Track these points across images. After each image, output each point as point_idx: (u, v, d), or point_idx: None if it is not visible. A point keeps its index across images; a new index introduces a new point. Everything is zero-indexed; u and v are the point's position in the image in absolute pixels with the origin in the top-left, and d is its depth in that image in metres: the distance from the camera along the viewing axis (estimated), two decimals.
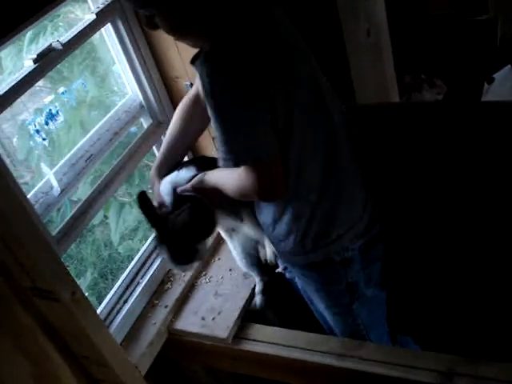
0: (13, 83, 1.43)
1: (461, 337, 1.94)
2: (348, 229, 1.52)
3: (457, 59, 3.06)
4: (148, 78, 1.88)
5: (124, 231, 3.00)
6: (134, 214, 3.01)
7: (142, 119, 1.95)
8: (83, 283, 2.68)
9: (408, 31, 2.76)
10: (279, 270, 1.89)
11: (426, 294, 2.09)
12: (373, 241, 1.59)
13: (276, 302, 1.95)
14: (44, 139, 1.51)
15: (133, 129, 1.88)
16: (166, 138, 1.69)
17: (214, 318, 1.81)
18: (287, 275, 1.88)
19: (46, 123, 1.50)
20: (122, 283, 1.89)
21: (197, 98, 1.64)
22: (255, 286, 1.88)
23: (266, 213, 1.54)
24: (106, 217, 3.14)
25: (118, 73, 2.13)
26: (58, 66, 1.54)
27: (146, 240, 2.21)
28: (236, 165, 1.32)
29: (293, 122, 1.36)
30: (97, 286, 2.98)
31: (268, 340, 1.73)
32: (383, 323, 1.79)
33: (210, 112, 1.30)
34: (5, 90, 1.41)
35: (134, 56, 1.82)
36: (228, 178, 1.43)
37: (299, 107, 1.36)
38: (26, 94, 1.42)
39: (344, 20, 1.69)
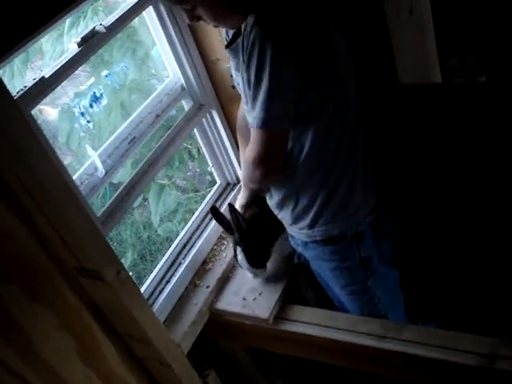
0: (58, 66, 1.45)
1: (484, 317, 1.92)
2: (363, 203, 1.61)
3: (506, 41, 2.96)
4: (189, 60, 1.88)
5: (163, 213, 3.03)
6: (173, 196, 3.03)
7: (183, 101, 1.96)
8: (124, 264, 2.73)
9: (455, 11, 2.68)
10: (295, 260, 1.90)
11: (441, 275, 2.08)
12: (382, 216, 1.68)
13: (315, 282, 1.95)
14: (89, 122, 1.54)
15: (172, 112, 1.90)
16: (242, 163, 1.79)
17: (254, 299, 1.82)
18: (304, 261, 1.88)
19: (91, 106, 1.53)
20: (164, 264, 1.92)
21: (245, 121, 1.67)
22: (296, 265, 1.90)
23: (288, 187, 1.59)
24: (144, 199, 3.19)
25: (156, 56, 2.15)
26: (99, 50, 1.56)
27: (186, 222, 2.24)
28: (264, 124, 1.40)
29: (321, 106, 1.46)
30: (136, 267, 3.03)
31: (308, 321, 1.74)
32: (400, 306, 1.81)
33: (250, 72, 1.37)
34: (50, 74, 1.44)
35: (175, 38, 1.83)
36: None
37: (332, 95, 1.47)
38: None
39: None
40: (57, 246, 1.37)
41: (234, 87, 1.93)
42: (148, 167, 1.78)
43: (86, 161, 1.53)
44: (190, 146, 3.01)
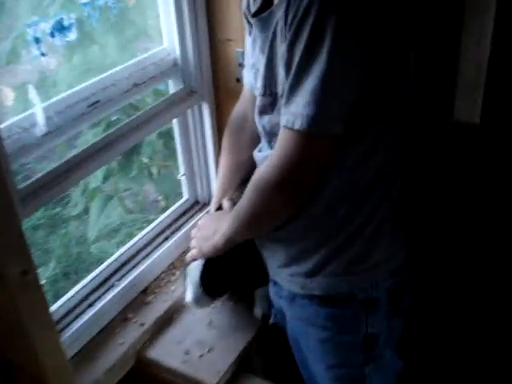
0: None
1: None
2: (388, 258, 1.21)
3: None
4: (193, 32, 1.46)
5: (103, 229, 2.57)
6: (118, 212, 2.60)
7: (170, 81, 1.53)
8: (41, 275, 2.23)
9: None
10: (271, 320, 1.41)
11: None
12: (403, 285, 1.27)
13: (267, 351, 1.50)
14: (43, 55, 1.09)
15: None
16: (219, 175, 1.45)
17: (201, 356, 1.35)
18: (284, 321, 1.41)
19: (52, 34, 1.08)
20: (90, 281, 1.43)
21: (242, 122, 1.39)
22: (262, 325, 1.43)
23: (296, 218, 1.14)
24: (85, 211, 2.72)
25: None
26: None
27: (125, 244, 1.79)
28: (313, 123, 0.96)
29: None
30: (55, 285, 2.54)
31: None
32: None
33: (295, 49, 0.96)
34: None
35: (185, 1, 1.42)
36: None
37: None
38: None
39: None
40: None
41: (238, 80, 1.52)
42: (107, 144, 1.31)
43: (22, 107, 1.06)
44: (149, 163, 2.58)
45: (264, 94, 1.11)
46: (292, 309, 1.25)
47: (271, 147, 1.14)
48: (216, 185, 1.48)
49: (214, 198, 1.45)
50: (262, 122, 1.16)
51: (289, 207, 1.09)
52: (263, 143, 1.21)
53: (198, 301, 1.32)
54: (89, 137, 2.16)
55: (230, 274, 1.35)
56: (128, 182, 2.62)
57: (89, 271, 1.77)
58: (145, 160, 2.53)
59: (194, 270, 1.31)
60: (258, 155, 1.23)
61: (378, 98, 1.03)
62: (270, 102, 1.11)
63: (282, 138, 1.02)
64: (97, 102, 1.29)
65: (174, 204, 1.69)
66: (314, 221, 1.14)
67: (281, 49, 1.02)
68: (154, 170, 2.67)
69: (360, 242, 1.14)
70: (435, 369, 1.69)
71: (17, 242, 0.98)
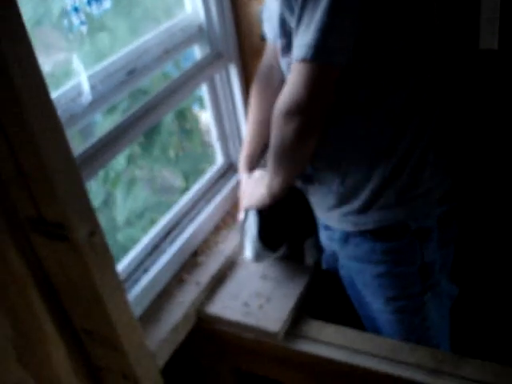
0: None
1: None
2: (436, 184, 1.23)
3: None
4: None
5: (130, 214, 2.59)
6: (144, 195, 2.61)
7: (196, 46, 1.55)
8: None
9: None
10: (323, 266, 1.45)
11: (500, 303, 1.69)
12: (452, 213, 1.31)
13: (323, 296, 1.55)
14: (82, 23, 1.11)
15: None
16: (248, 127, 1.49)
17: (260, 306, 1.38)
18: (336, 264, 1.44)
19: (89, 3, 1.10)
20: (142, 249, 1.46)
21: (268, 74, 1.42)
22: (315, 272, 1.46)
23: (332, 151, 1.20)
24: (105, 201, 2.73)
25: None
26: None
27: (151, 227, 1.80)
28: (314, 55, 1.03)
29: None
30: None
31: (333, 341, 1.30)
32: (447, 335, 1.42)
33: None
34: None
35: None
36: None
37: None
38: None
39: None
40: (9, 180, 0.93)
41: (262, 38, 1.54)
42: (146, 111, 1.34)
43: (67, 78, 1.09)
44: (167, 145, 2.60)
45: (280, 36, 1.17)
46: (346, 249, 1.28)
47: None
48: (245, 139, 1.50)
49: (244, 151, 1.49)
50: (283, 65, 1.22)
51: (301, 135, 1.13)
52: None
53: (259, 255, 1.36)
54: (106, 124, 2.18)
55: (284, 225, 1.38)
56: (151, 162, 2.63)
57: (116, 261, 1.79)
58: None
59: (251, 227, 1.34)
60: None
61: (387, 32, 1.09)
62: (286, 42, 1.16)
63: (291, 71, 1.09)
64: (133, 69, 1.32)
65: (192, 185, 1.71)
66: (354, 148, 1.17)
67: None
68: (172, 152, 2.70)
69: (407, 171, 1.17)
70: (486, 294, 1.72)
71: (83, 204, 1.00)
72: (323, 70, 1.06)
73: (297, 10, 1.05)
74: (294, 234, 1.42)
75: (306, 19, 1.04)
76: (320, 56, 1.03)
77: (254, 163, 1.48)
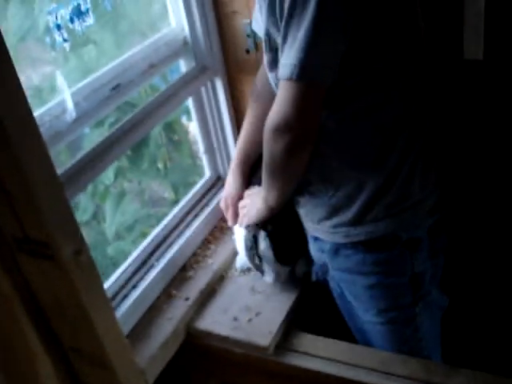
0: None
1: None
2: (426, 196, 1.24)
3: None
4: (200, 9, 1.48)
5: (119, 227, 2.57)
6: (133, 208, 2.59)
7: (181, 60, 1.55)
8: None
9: None
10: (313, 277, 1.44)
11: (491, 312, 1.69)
12: (441, 223, 1.31)
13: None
14: (65, 40, 1.11)
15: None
16: (242, 133, 1.46)
17: (250, 320, 1.37)
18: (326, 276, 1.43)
19: (71, 20, 1.09)
20: (130, 264, 1.45)
21: (264, 84, 1.36)
22: (304, 285, 1.46)
23: (325, 164, 1.20)
24: (94, 215, 2.71)
25: None
26: None
27: (141, 241, 1.78)
28: (299, 74, 1.03)
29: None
30: None
31: (325, 355, 1.29)
32: (439, 346, 1.42)
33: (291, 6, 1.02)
34: None
35: None
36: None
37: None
38: None
39: None
40: None
41: (248, 51, 1.54)
42: (132, 126, 1.33)
43: (54, 92, 1.08)
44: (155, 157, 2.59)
45: (266, 51, 1.18)
46: (336, 261, 1.28)
47: None
48: (240, 137, 1.48)
49: (238, 150, 1.46)
50: (271, 79, 1.23)
51: (291, 152, 1.13)
52: None
53: (279, 275, 1.38)
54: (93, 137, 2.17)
55: (293, 237, 1.37)
56: (139, 175, 2.61)
57: (104, 275, 1.79)
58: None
59: (265, 252, 1.34)
60: None
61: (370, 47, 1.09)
62: (272, 57, 1.17)
63: (279, 88, 1.09)
64: (118, 85, 1.31)
65: (182, 197, 1.69)
66: (346, 167, 1.18)
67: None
68: (160, 164, 2.69)
69: (398, 183, 1.17)
70: (476, 304, 1.72)
71: (68, 222, 0.99)
72: (309, 89, 1.06)
73: (282, 27, 1.05)
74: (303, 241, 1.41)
75: (290, 37, 1.04)
76: (305, 75, 1.03)
77: (249, 158, 1.46)
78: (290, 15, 1.02)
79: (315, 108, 1.09)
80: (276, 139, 1.11)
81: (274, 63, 1.17)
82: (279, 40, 1.08)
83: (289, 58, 1.04)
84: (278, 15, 1.07)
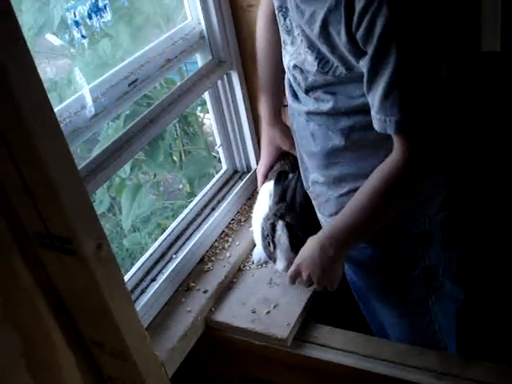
0: None
1: None
2: (436, 192, 1.22)
3: None
4: (216, 3, 1.49)
5: (136, 219, 2.59)
6: (149, 200, 2.60)
7: (198, 54, 1.55)
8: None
9: None
10: None
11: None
12: (454, 217, 1.28)
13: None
14: (84, 37, 1.12)
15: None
16: (262, 83, 1.44)
17: (268, 312, 1.38)
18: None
19: (89, 16, 1.11)
20: (149, 258, 1.47)
21: (272, 17, 1.30)
22: None
23: (345, 163, 1.20)
24: (110, 208, 2.73)
25: None
26: None
27: (157, 233, 1.77)
28: (407, 127, 0.99)
29: None
30: None
31: (342, 347, 1.30)
32: (454, 338, 1.42)
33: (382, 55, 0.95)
34: None
35: None
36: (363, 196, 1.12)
37: None
38: None
39: None
40: (16, 196, 0.93)
41: None
42: (150, 121, 1.35)
43: (70, 92, 1.09)
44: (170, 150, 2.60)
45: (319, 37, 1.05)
46: (350, 255, 1.28)
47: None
48: (263, 98, 1.46)
49: (264, 112, 1.45)
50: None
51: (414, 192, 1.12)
52: (300, 95, 1.21)
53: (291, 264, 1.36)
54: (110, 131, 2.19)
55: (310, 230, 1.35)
56: (155, 168, 2.62)
57: (122, 266, 1.79)
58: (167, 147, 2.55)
59: (281, 239, 1.35)
60: (295, 106, 1.24)
61: None
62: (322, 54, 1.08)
63: (395, 143, 1.05)
64: (135, 80, 1.32)
65: (197, 189, 1.69)
66: (364, 156, 1.17)
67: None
68: (176, 157, 2.70)
69: None
70: (492, 297, 1.72)
71: (90, 218, 1.01)
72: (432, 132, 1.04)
73: (369, 50, 0.97)
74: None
75: (380, 76, 0.97)
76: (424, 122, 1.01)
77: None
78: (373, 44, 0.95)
79: (434, 145, 1.07)
80: (396, 197, 1.11)
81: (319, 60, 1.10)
82: (358, 61, 1.01)
83: (388, 108, 1.00)
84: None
